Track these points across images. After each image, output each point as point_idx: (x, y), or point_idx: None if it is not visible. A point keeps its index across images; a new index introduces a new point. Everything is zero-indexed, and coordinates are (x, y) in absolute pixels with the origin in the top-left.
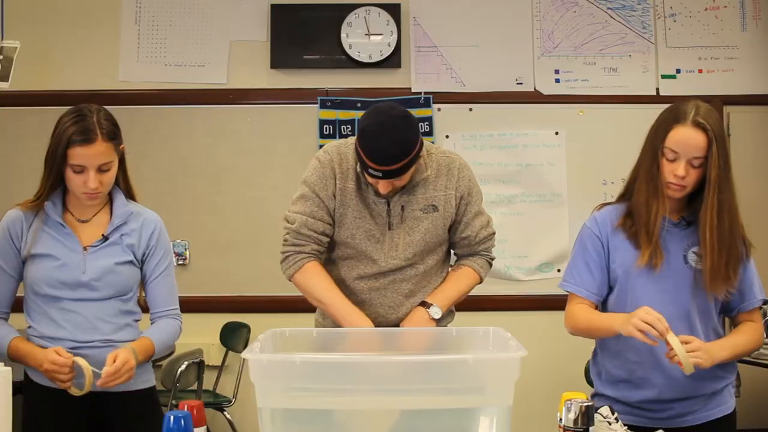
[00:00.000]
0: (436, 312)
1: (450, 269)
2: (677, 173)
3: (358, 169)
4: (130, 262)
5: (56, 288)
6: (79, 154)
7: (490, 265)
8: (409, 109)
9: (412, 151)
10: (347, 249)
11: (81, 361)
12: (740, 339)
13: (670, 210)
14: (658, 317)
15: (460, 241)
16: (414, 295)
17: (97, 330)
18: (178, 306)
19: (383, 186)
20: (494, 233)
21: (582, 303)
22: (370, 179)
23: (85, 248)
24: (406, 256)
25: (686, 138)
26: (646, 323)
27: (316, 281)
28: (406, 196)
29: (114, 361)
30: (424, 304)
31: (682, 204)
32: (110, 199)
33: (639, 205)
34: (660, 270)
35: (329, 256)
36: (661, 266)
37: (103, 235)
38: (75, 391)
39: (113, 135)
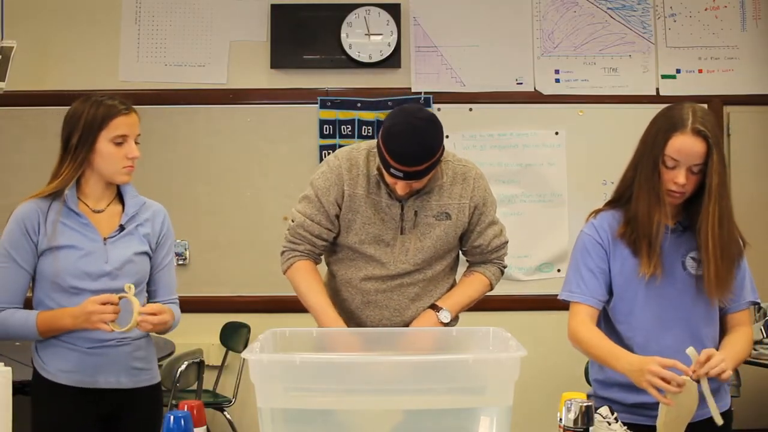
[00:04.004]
0: (446, 316)
1: (463, 275)
2: (678, 181)
3: (375, 172)
4: (145, 252)
5: (80, 279)
6: (122, 123)
7: (502, 272)
8: None
9: (435, 154)
10: (355, 253)
11: (130, 295)
12: (739, 348)
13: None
14: (671, 376)
15: (472, 250)
16: (420, 299)
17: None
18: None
19: (401, 187)
20: (507, 242)
21: (587, 314)
22: (389, 179)
23: (104, 239)
24: (416, 261)
25: (687, 146)
26: (661, 378)
27: (301, 280)
28: (419, 201)
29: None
30: (434, 307)
31: (678, 209)
32: (119, 191)
33: (641, 214)
34: (660, 278)
35: (338, 257)
36: (661, 275)
37: (120, 225)
38: (118, 328)
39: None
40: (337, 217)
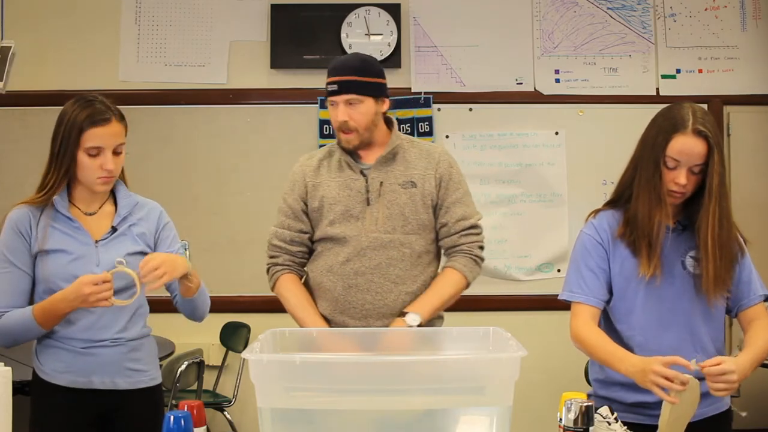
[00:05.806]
0: (413, 318)
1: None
2: (679, 181)
3: (336, 155)
4: (141, 252)
5: (71, 282)
6: (96, 135)
7: (478, 264)
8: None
9: (370, 74)
10: (330, 241)
11: (121, 268)
12: (759, 346)
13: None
14: (674, 375)
15: (440, 230)
16: (404, 282)
17: (107, 327)
18: None
19: (341, 111)
20: (476, 227)
21: (589, 314)
22: (329, 103)
23: (96, 241)
24: (386, 229)
25: (688, 147)
26: (665, 378)
27: (286, 296)
28: (383, 172)
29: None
30: (403, 314)
31: (677, 208)
32: (112, 191)
33: (642, 215)
34: (660, 278)
35: (317, 252)
36: (661, 275)
37: (112, 226)
38: (121, 302)
39: (123, 117)
40: (306, 213)
